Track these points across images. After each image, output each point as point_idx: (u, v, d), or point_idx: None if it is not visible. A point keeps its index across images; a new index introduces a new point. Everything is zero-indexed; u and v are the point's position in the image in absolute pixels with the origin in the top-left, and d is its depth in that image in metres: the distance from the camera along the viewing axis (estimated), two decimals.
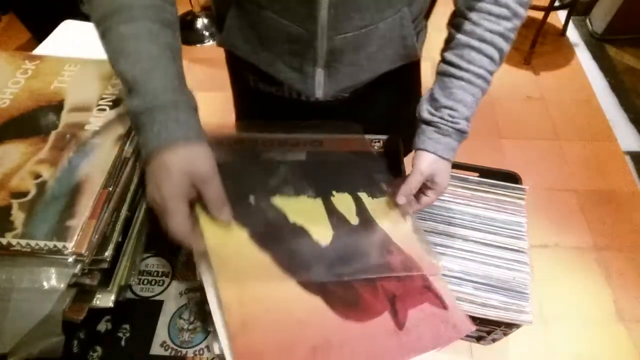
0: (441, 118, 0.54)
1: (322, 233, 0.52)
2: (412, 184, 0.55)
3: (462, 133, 0.55)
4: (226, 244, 0.47)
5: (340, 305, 0.46)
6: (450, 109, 0.54)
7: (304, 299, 0.45)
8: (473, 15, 0.51)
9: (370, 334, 0.45)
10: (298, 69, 0.58)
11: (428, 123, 0.55)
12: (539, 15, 1.99)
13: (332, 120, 0.68)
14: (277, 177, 0.58)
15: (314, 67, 0.58)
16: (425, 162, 0.55)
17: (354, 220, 0.56)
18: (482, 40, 0.51)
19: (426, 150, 0.55)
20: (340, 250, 0.51)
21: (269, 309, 0.44)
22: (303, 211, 0.54)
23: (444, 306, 0.50)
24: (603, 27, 2.15)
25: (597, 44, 2.18)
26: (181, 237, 0.42)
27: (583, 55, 2.13)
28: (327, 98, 0.62)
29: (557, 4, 1.95)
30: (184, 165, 0.42)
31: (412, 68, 0.68)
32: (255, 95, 0.72)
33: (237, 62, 0.69)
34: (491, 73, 0.53)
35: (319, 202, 0.57)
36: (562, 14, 2.26)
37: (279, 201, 0.55)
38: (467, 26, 0.52)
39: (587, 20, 2.28)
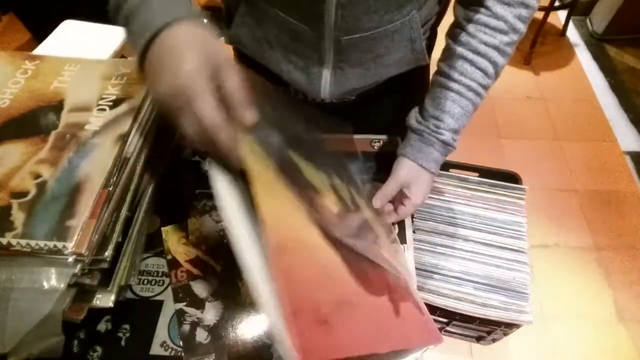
0: (426, 127, 0.54)
1: (330, 200, 0.51)
2: (387, 189, 0.54)
3: (446, 145, 0.54)
4: (256, 167, 0.40)
5: (358, 270, 0.44)
6: (437, 119, 0.53)
7: (327, 249, 0.42)
8: (470, 27, 0.51)
9: (377, 311, 0.43)
10: (304, 69, 0.58)
11: (413, 131, 0.55)
12: (539, 15, 1.99)
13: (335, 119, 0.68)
14: (289, 136, 0.53)
15: (320, 68, 0.57)
16: (403, 168, 0.54)
17: (351, 205, 0.55)
18: (477, 52, 0.51)
19: (406, 157, 0.55)
20: (345, 222, 0.50)
21: (302, 242, 0.40)
22: (314, 175, 0.53)
23: (421, 312, 0.49)
24: (603, 27, 2.15)
25: (597, 44, 2.18)
26: (214, 127, 0.34)
27: (583, 55, 2.13)
28: (333, 100, 0.62)
29: (557, 4, 1.95)
30: (197, 41, 0.34)
31: (420, 73, 0.68)
32: None
33: (244, 61, 0.69)
34: (484, 87, 0.53)
35: (324, 175, 0.54)
36: (562, 14, 2.26)
37: (294, 156, 0.52)
38: (463, 37, 0.52)
39: (587, 20, 2.28)
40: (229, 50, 0.71)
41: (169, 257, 0.54)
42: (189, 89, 0.33)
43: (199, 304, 0.51)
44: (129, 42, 0.38)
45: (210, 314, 0.50)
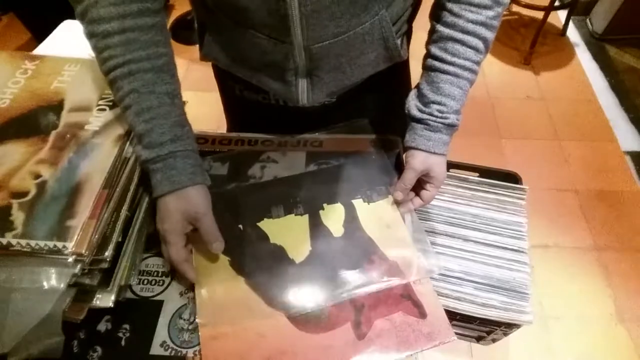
0: (430, 114, 0.54)
1: (298, 250, 0.54)
2: (406, 180, 0.56)
3: (452, 127, 0.55)
4: (209, 270, 0.53)
5: (302, 319, 0.49)
6: (439, 104, 0.53)
7: (268, 315, 0.49)
8: (454, 7, 0.51)
9: (326, 345, 0.47)
10: (280, 78, 0.58)
11: (418, 120, 0.55)
12: (539, 15, 1.99)
13: (335, 126, 0.69)
14: (270, 196, 0.60)
15: (296, 77, 0.57)
16: (417, 159, 0.55)
17: (339, 232, 0.56)
18: (465, 32, 0.51)
19: (418, 149, 0.55)
20: (316, 266, 0.53)
21: (236, 324, 0.49)
22: (285, 231, 0.57)
23: (420, 314, 0.50)
24: (603, 27, 2.15)
25: (597, 44, 2.18)
26: (175, 264, 0.50)
27: (583, 55, 2.13)
28: (314, 104, 0.62)
29: (557, 4, 1.95)
30: (180, 207, 0.49)
31: (399, 69, 0.67)
32: (243, 103, 0.72)
33: (221, 72, 0.69)
34: (477, 63, 0.53)
35: (305, 219, 0.58)
36: (562, 14, 2.25)
37: (265, 224, 0.57)
38: (449, 18, 0.52)
39: (587, 20, 2.28)
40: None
41: None
42: (165, 237, 0.50)
43: None
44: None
45: None
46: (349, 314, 0.49)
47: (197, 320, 0.49)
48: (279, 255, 0.54)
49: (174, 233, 0.49)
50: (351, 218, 0.58)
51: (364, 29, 0.53)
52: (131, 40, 0.46)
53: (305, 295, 0.51)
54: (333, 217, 0.58)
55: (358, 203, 0.59)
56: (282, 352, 0.46)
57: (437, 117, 0.54)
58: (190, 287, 0.52)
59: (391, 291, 0.51)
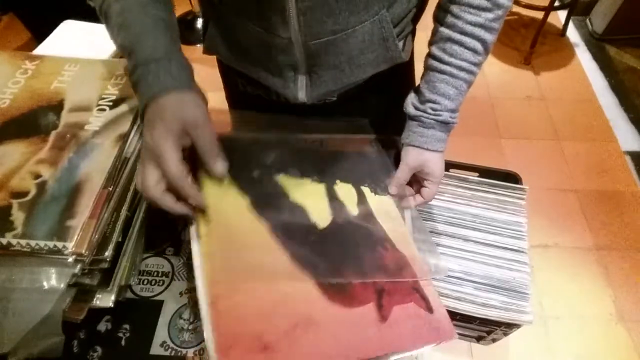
0: (424, 112, 0.55)
1: (321, 215, 0.52)
2: (400, 175, 0.57)
3: (446, 124, 0.55)
4: (224, 207, 0.46)
5: (328, 287, 0.46)
6: (434, 102, 0.54)
7: (293, 273, 0.45)
8: (454, 8, 0.51)
9: (352, 321, 0.45)
10: (280, 75, 0.58)
11: (412, 117, 0.56)
12: (539, 15, 1.99)
13: (336, 120, 0.68)
14: (285, 158, 0.57)
15: (295, 73, 0.57)
16: (410, 155, 0.56)
17: (354, 210, 0.56)
18: (463, 33, 0.51)
19: (411, 145, 0.56)
20: (337, 236, 0.51)
21: (257, 276, 0.44)
22: (305, 192, 0.54)
23: (428, 309, 0.50)
24: (603, 27, 2.15)
25: (597, 44, 2.18)
26: (176, 181, 0.41)
27: (583, 55, 2.13)
28: (313, 102, 0.62)
29: (557, 4, 1.95)
30: (175, 109, 0.42)
31: (402, 70, 0.67)
32: (246, 97, 0.72)
33: (225, 65, 0.69)
34: (475, 64, 0.53)
35: (322, 187, 0.56)
36: (562, 14, 2.25)
37: (283, 179, 0.54)
38: (449, 19, 0.52)
39: (587, 20, 2.28)
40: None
41: None
42: (157, 149, 0.41)
43: None
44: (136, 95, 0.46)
45: None
46: (371, 295, 0.48)
47: (205, 256, 0.42)
48: (301, 215, 0.51)
49: (167, 140, 0.41)
50: (363, 201, 0.57)
51: (364, 28, 0.53)
52: None
53: (333, 265, 0.48)
54: (347, 195, 0.57)
55: (366, 191, 0.59)
56: (308, 319, 0.43)
57: (430, 114, 0.54)
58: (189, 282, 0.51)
59: (403, 281, 0.51)
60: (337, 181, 0.58)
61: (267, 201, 0.51)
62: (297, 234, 0.49)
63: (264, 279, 0.44)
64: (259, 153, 0.57)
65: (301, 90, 0.59)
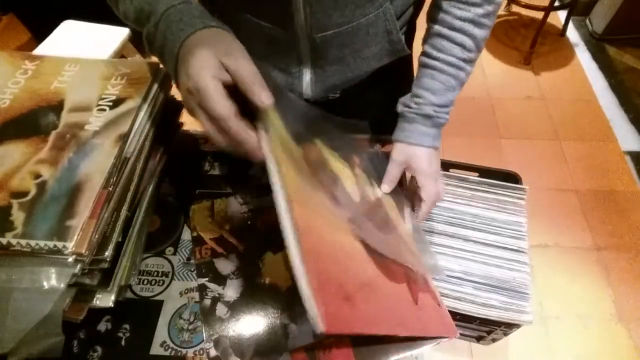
0: (408, 106, 0.55)
1: (351, 187, 0.53)
2: (389, 171, 0.57)
3: (429, 117, 0.54)
4: (285, 157, 0.42)
5: (377, 257, 0.45)
6: (417, 96, 0.55)
7: (351, 236, 0.43)
8: (444, 4, 0.52)
9: (398, 296, 0.45)
10: (284, 70, 0.58)
11: (400, 114, 0.57)
12: (539, 15, 1.99)
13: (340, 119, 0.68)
14: (312, 123, 0.54)
15: (300, 68, 0.57)
16: (395, 150, 0.56)
17: (372, 196, 0.56)
18: (452, 28, 0.51)
19: (397, 141, 0.56)
20: (368, 211, 0.52)
21: (326, 225, 0.41)
22: (337, 163, 0.55)
23: (437, 303, 0.50)
24: (603, 27, 2.15)
25: (597, 44, 2.18)
26: (225, 115, 0.36)
27: (583, 55, 2.13)
28: (317, 97, 0.62)
29: (557, 4, 1.95)
30: (207, 43, 0.38)
31: (403, 66, 0.68)
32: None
33: None
34: (465, 60, 0.53)
35: (347, 166, 0.57)
36: (562, 14, 2.26)
37: (321, 144, 0.55)
38: (439, 15, 0.52)
39: (587, 20, 2.28)
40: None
41: (195, 234, 0.57)
42: (197, 86, 0.36)
43: (220, 280, 0.53)
44: (160, 56, 0.43)
45: (231, 290, 0.52)
46: (403, 276, 0.48)
47: (289, 196, 0.37)
48: (337, 183, 0.50)
49: (205, 74, 0.36)
50: (375, 191, 0.58)
51: (368, 21, 0.53)
52: None
53: (373, 234, 0.46)
54: (365, 181, 0.58)
55: (375, 184, 0.60)
56: (373, 282, 0.41)
57: (412, 108, 0.55)
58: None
59: (418, 273, 0.51)
60: (356, 167, 0.58)
61: (313, 160, 0.48)
62: (344, 201, 0.49)
63: (333, 229, 0.42)
64: (290, 115, 0.51)
65: (306, 86, 0.60)
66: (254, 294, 0.52)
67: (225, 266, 0.54)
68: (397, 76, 0.68)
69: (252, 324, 0.49)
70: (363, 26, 0.53)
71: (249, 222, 0.58)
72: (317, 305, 0.33)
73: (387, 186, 0.57)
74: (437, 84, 0.53)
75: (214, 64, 0.37)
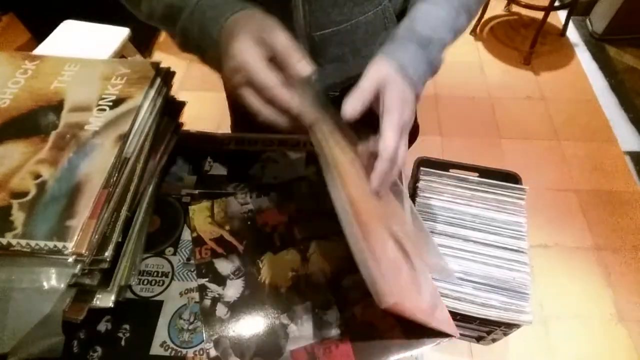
0: (398, 31, 0.47)
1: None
2: (361, 87, 0.42)
3: (423, 44, 0.46)
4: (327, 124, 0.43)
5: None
6: (410, 23, 0.47)
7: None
8: None
9: (417, 288, 0.46)
10: None
11: (387, 41, 0.48)
12: (539, 15, 1.99)
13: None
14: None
15: None
16: (375, 65, 0.44)
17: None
18: None
19: (380, 55, 0.45)
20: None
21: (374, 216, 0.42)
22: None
23: (442, 303, 0.51)
24: (603, 27, 2.15)
25: (597, 44, 2.18)
26: (270, 83, 0.37)
27: (583, 55, 2.13)
28: None
29: (557, 4, 1.95)
30: (244, 24, 0.40)
31: None
32: None
33: None
34: (464, 7, 0.49)
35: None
36: (562, 14, 2.26)
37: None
38: None
39: (587, 20, 2.28)
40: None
41: (194, 234, 0.57)
42: (242, 63, 0.37)
43: (220, 280, 0.53)
44: (198, 51, 0.44)
45: (231, 290, 0.52)
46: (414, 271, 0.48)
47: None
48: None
49: (248, 50, 0.37)
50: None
51: (367, 19, 0.53)
52: None
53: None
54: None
55: None
56: (407, 270, 0.44)
57: (404, 31, 0.47)
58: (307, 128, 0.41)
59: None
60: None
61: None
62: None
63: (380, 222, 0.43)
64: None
65: None
66: (254, 294, 0.52)
67: (225, 266, 0.54)
68: None
69: (252, 324, 0.49)
70: (362, 24, 0.53)
71: (249, 222, 0.58)
72: (384, 280, 0.35)
73: (351, 106, 0.41)
74: (434, 17, 0.47)
75: (254, 40, 0.38)
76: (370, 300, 0.49)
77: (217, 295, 0.52)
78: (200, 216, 0.58)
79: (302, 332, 0.49)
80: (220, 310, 0.51)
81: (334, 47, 0.55)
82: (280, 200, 0.61)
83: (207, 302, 0.51)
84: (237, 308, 0.51)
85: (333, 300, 0.51)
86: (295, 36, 0.52)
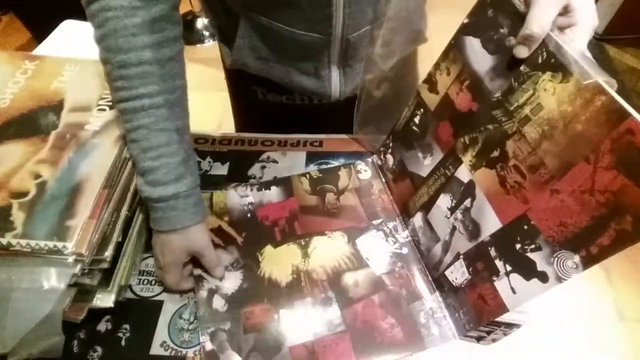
0: None
1: None
2: (539, 13, 0.35)
3: None
4: None
5: None
6: None
7: None
8: None
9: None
10: (313, 74, 0.58)
11: None
12: None
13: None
14: None
15: (329, 70, 0.57)
16: None
17: None
18: None
19: None
20: None
21: None
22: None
23: None
24: (603, 27, 2.15)
25: (597, 44, 2.18)
26: (173, 288, 0.51)
27: None
28: (343, 98, 0.62)
29: None
30: (182, 244, 0.48)
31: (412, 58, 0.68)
32: (263, 106, 0.71)
33: (243, 78, 0.67)
34: None
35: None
36: None
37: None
38: None
39: None
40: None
41: None
42: (165, 269, 0.49)
43: None
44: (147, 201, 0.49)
45: (229, 283, 0.52)
46: None
47: None
48: None
49: (173, 265, 0.49)
50: None
51: (393, 10, 0.53)
52: (147, 73, 0.43)
53: None
54: None
55: None
56: None
57: None
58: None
59: None
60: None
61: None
62: None
63: None
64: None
65: (335, 87, 0.60)
66: (253, 287, 0.52)
67: (223, 257, 0.54)
68: (405, 68, 0.68)
69: (251, 318, 0.49)
70: (389, 17, 0.53)
71: (248, 215, 0.58)
72: None
73: (535, 28, 0.35)
74: None
75: (182, 260, 0.49)
76: (371, 299, 0.50)
77: (214, 287, 0.51)
78: None
79: (301, 328, 0.48)
80: (217, 302, 0.50)
81: (365, 45, 0.55)
82: (281, 195, 0.60)
83: (203, 293, 0.51)
84: (235, 301, 0.50)
85: (334, 298, 0.51)
86: (331, 40, 0.52)
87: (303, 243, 0.55)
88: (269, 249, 0.55)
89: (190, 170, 0.48)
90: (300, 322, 0.49)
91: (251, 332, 0.48)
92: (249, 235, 0.56)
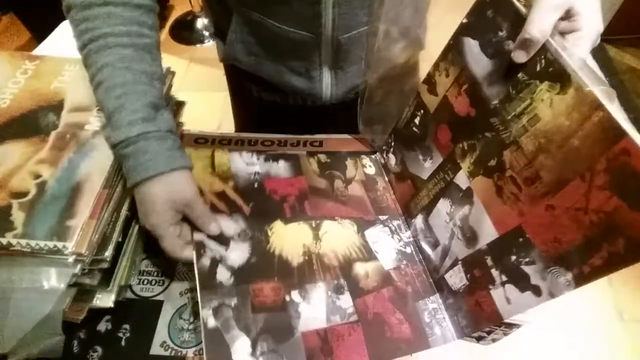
0: None
1: None
2: (539, 16, 0.34)
3: None
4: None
5: None
6: None
7: None
8: None
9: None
10: (305, 74, 0.58)
11: None
12: None
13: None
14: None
15: (321, 71, 0.57)
16: None
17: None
18: None
19: None
20: None
21: None
22: None
23: None
24: (603, 27, 2.15)
25: (597, 44, 2.18)
26: (173, 255, 0.45)
27: None
28: (336, 100, 0.62)
29: None
30: (164, 195, 0.43)
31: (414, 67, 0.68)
32: (259, 104, 0.71)
33: (238, 74, 0.68)
34: None
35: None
36: None
37: None
38: None
39: None
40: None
41: None
42: (155, 232, 0.44)
43: (222, 240, 0.48)
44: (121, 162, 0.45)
45: (235, 254, 0.47)
46: None
47: None
48: None
49: (163, 226, 0.44)
50: None
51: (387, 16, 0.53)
52: (112, 14, 0.41)
53: None
54: None
55: None
56: None
57: None
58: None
59: None
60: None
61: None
62: None
63: None
64: None
65: (326, 89, 0.59)
66: (262, 262, 0.48)
67: (228, 226, 0.49)
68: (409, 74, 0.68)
69: (261, 295, 0.45)
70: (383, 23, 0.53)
71: (255, 185, 0.54)
72: None
73: (535, 32, 0.34)
74: None
75: (170, 216, 0.44)
76: (381, 292, 0.49)
77: (218, 257, 0.47)
78: (199, 164, 0.54)
79: (314, 313, 0.45)
80: (222, 274, 0.46)
81: (358, 48, 0.55)
82: (289, 171, 0.58)
83: (205, 261, 0.46)
84: (242, 275, 0.46)
85: (345, 286, 0.48)
86: (321, 40, 0.52)
87: (314, 225, 0.53)
88: (278, 225, 0.52)
89: (162, 118, 0.44)
90: (313, 307, 0.46)
91: (260, 311, 0.44)
92: (256, 206, 0.53)
